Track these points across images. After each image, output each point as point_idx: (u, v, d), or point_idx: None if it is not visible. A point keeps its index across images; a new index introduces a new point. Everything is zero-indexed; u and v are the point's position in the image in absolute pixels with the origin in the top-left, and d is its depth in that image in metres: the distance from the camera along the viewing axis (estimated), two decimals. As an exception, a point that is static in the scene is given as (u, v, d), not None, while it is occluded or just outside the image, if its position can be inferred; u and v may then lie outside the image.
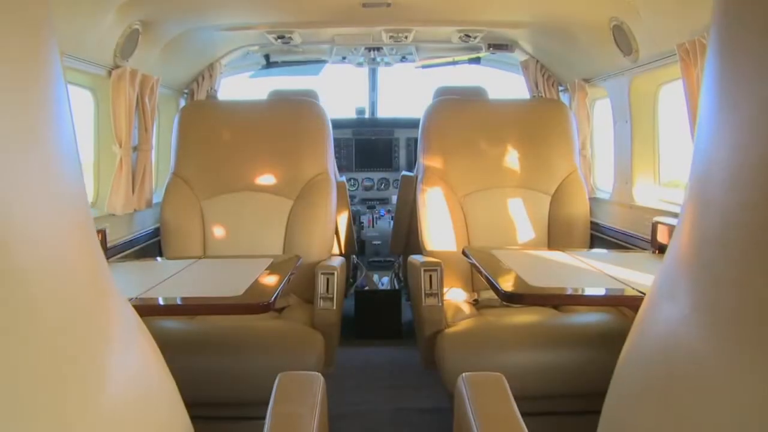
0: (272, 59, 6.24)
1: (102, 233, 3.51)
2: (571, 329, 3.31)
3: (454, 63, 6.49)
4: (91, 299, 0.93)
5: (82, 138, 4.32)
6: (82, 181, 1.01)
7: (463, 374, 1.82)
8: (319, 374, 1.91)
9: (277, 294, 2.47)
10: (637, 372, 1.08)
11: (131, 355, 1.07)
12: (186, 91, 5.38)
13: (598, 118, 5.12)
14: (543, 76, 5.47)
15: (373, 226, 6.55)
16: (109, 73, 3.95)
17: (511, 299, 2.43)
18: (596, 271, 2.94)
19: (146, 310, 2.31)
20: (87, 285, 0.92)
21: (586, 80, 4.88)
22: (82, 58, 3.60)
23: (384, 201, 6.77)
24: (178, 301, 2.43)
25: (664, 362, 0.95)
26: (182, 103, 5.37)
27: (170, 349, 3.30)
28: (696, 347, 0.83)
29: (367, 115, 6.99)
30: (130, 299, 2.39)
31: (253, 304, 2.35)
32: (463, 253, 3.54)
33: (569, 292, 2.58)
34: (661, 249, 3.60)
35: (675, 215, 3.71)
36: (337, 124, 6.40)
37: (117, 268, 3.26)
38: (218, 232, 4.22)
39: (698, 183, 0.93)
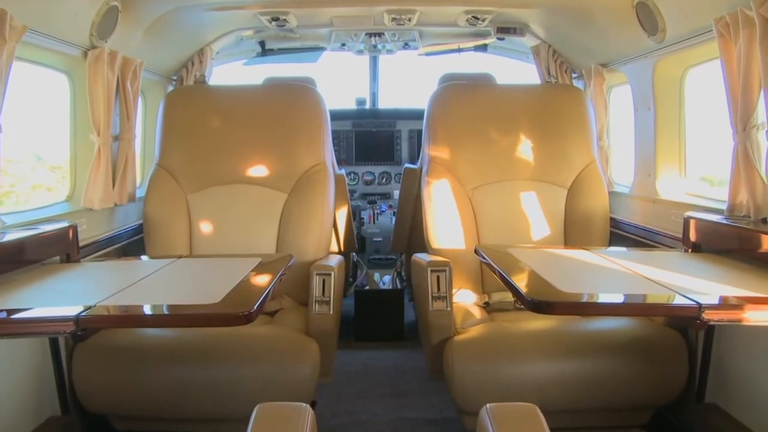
0: (267, 46, 5.92)
1: (73, 229, 3.17)
2: (595, 337, 2.99)
3: (460, 50, 6.17)
4: None
5: (62, 127, 3.99)
6: None
7: (488, 406, 1.51)
8: (307, 406, 1.58)
9: (261, 301, 2.12)
10: None
11: None
12: (174, 77, 5.05)
13: (615, 105, 4.79)
14: (555, 62, 5.13)
15: (374, 222, 6.30)
16: (85, 54, 3.62)
17: (540, 308, 2.08)
18: (631, 274, 2.60)
19: (101, 321, 1.96)
20: None
21: (604, 65, 4.55)
22: (52, 35, 3.27)
23: (386, 196, 6.51)
24: (145, 311, 2.08)
25: None
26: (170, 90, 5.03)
27: (146, 359, 3.03)
28: None
29: (367, 106, 6.71)
30: (87, 308, 2.05)
31: (231, 314, 1.99)
32: (476, 251, 3.22)
33: (608, 300, 2.24)
34: (695, 247, 3.26)
35: (707, 210, 3.37)
36: (337, 116, 6.11)
37: (88, 269, 2.94)
38: (205, 228, 3.90)
39: None
